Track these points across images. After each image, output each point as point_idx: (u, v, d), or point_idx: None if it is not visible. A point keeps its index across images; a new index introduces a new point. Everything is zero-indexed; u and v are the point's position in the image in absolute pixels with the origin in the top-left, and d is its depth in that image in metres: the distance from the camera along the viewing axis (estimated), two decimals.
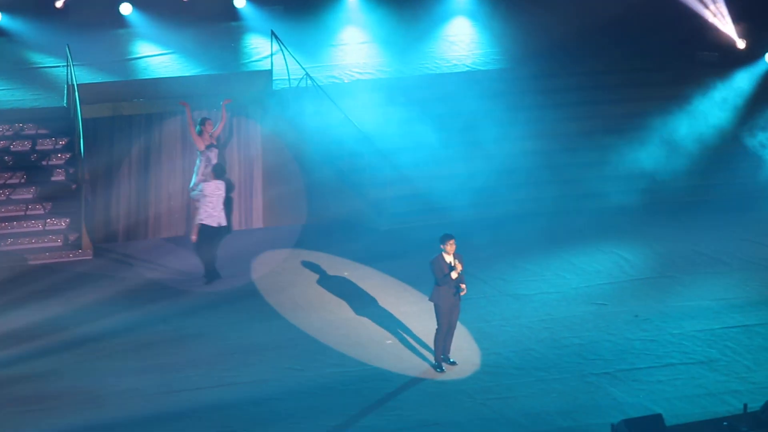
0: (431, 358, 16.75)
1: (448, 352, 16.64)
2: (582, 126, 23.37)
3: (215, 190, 18.99)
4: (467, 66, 24.33)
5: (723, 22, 24.93)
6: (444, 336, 16.50)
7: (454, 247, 16.29)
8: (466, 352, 17.01)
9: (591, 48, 24.86)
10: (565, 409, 15.66)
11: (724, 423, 14.34)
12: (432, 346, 16.77)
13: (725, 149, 23.13)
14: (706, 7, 24.96)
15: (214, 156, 20.11)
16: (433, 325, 16.60)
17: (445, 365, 16.60)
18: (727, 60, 24.54)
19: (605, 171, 22.44)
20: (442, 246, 16.29)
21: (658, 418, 14.36)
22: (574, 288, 19.09)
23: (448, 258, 16.29)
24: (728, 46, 24.88)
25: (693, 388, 16.12)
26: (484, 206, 21.64)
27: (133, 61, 23.99)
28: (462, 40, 25.66)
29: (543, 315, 18.19)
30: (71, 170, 20.97)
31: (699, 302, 18.56)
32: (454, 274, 16.18)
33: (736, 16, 24.85)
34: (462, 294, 16.32)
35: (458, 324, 16.69)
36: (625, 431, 14.15)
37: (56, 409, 15.61)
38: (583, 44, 24.81)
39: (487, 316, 18.12)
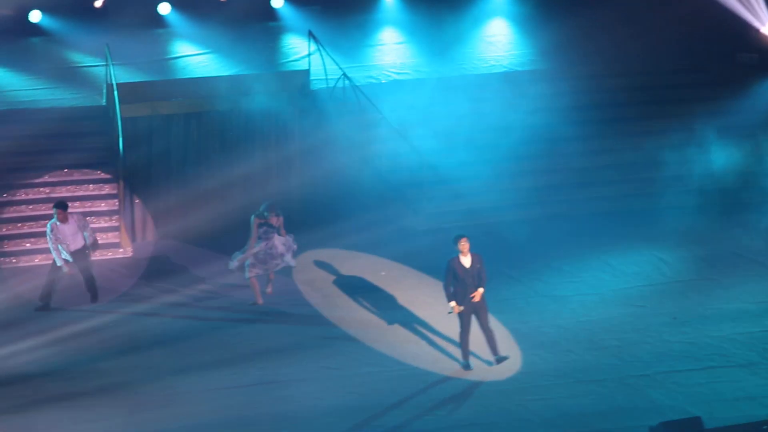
0: (470, 359, 16.69)
1: (497, 351, 16.55)
2: (619, 128, 23.24)
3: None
4: (504, 67, 24.27)
5: (764, 23, 24.75)
6: (468, 335, 16.42)
7: (467, 246, 16.28)
8: (503, 353, 16.93)
9: (628, 50, 24.73)
10: (603, 410, 15.57)
11: (764, 427, 14.23)
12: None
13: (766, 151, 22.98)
14: (747, 8, 24.79)
15: None
16: None
17: (481, 363, 16.57)
18: (767, 61, 24.37)
19: (644, 173, 22.32)
20: (456, 247, 16.28)
21: (697, 420, 14.27)
22: (612, 290, 18.99)
23: (465, 259, 16.25)
24: None
25: (733, 391, 15.99)
26: (522, 207, 21.57)
27: (171, 61, 24.09)
28: (500, 41, 25.60)
29: (581, 316, 18.11)
30: (110, 169, 21.06)
31: (739, 305, 18.40)
32: (454, 310, 16.21)
33: None
34: (474, 300, 16.23)
35: (496, 325, 16.63)
36: None
37: (92, 407, 15.68)
38: (621, 47, 24.68)
39: (524, 317, 18.06)
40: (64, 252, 18.37)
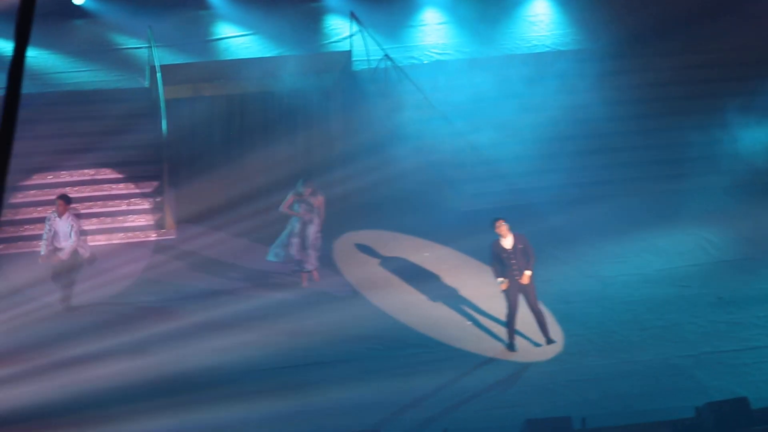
0: (515, 340, 16.67)
1: (547, 333, 16.52)
2: (663, 107, 23.06)
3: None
4: (547, 47, 24.14)
5: None
6: (515, 316, 16.39)
7: (504, 227, 16.25)
8: (552, 336, 16.86)
9: (672, 28, 24.50)
10: (648, 391, 15.52)
11: None
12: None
13: None
14: None
15: None
16: None
17: (527, 345, 16.56)
18: None
19: (688, 152, 22.14)
20: (493, 230, 16.24)
21: (743, 401, 14.20)
22: (656, 270, 18.87)
23: (505, 241, 16.20)
24: None
25: None
26: (565, 187, 21.45)
27: (213, 43, 24.12)
28: (542, 21, 25.45)
29: (625, 297, 18.03)
30: (153, 150, 21.12)
31: None
32: (503, 286, 16.14)
33: None
34: (522, 282, 16.16)
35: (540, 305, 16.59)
36: (709, 414, 14.01)
37: (130, 386, 15.86)
38: (666, 25, 24.47)
39: (569, 298, 18.00)
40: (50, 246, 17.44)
